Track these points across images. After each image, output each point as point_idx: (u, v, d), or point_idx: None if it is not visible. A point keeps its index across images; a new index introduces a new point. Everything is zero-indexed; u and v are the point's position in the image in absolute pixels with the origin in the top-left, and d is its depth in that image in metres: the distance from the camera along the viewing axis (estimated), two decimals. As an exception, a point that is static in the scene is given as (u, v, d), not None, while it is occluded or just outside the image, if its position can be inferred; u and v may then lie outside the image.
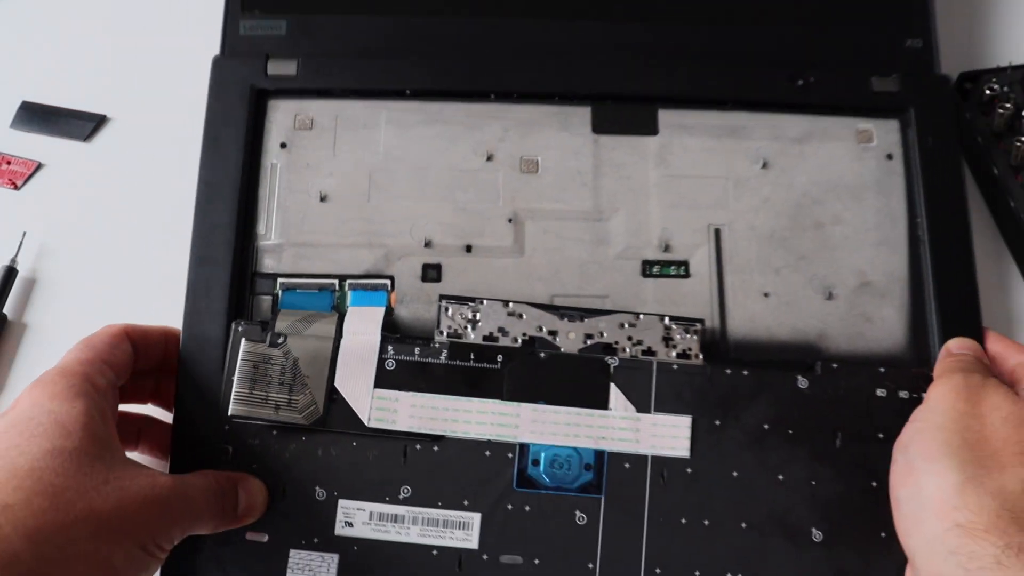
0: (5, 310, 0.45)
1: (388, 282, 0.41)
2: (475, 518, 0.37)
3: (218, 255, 0.40)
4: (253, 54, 0.44)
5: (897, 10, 0.46)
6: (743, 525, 0.37)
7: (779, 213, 0.42)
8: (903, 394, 0.38)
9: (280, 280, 0.41)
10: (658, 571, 0.36)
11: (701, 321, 0.40)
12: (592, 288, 0.41)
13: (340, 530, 0.37)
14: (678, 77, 0.44)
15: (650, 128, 0.44)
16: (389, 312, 0.40)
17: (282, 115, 0.43)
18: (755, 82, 0.44)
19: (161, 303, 0.40)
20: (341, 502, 0.37)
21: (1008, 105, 0.45)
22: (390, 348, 0.39)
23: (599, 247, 0.42)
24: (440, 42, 0.45)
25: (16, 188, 0.48)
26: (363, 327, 0.39)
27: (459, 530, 0.37)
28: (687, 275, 0.41)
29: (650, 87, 0.44)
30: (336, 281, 0.41)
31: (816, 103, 0.44)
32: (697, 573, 0.36)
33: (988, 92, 0.46)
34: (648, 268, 0.41)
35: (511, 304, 0.39)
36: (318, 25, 0.45)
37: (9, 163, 0.49)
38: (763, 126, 0.44)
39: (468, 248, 0.41)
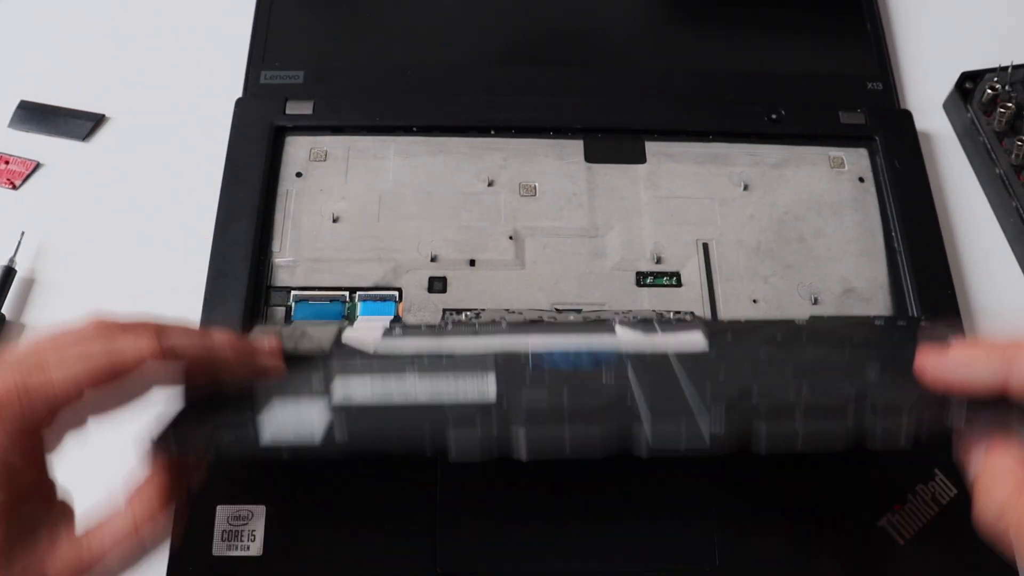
0: (3, 310, 0.44)
1: (396, 293, 0.43)
2: (490, 376, 0.32)
3: (234, 270, 0.42)
4: (273, 97, 0.48)
5: (858, 59, 0.51)
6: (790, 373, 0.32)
7: (764, 228, 0.45)
8: (901, 323, 0.39)
9: (293, 292, 0.43)
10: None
11: (691, 313, 0.41)
12: (590, 296, 0.43)
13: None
14: (662, 112, 0.48)
15: (638, 157, 0.47)
16: (397, 320, 0.42)
17: (298, 149, 0.47)
18: (733, 116, 0.48)
19: (161, 303, 0.39)
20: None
21: (1009, 104, 0.47)
22: (398, 329, 0.38)
23: (596, 260, 0.44)
24: (444, 86, 0.49)
25: (14, 188, 0.48)
26: (371, 324, 0.40)
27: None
28: (679, 284, 0.44)
29: (637, 121, 0.48)
30: (347, 293, 0.43)
31: (790, 134, 0.48)
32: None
33: (990, 91, 0.47)
34: (642, 279, 0.44)
35: (511, 311, 0.41)
36: (333, 73, 0.49)
37: (7, 163, 0.48)
38: (743, 154, 0.47)
39: (472, 262, 0.44)
